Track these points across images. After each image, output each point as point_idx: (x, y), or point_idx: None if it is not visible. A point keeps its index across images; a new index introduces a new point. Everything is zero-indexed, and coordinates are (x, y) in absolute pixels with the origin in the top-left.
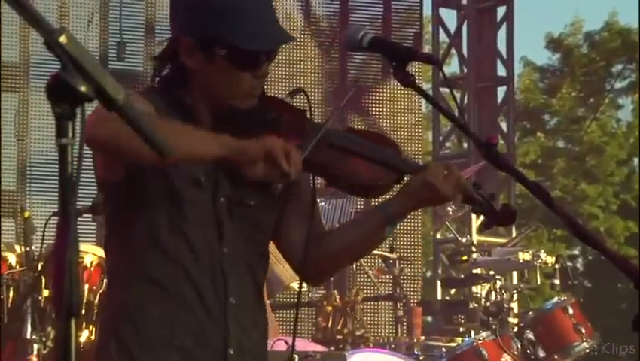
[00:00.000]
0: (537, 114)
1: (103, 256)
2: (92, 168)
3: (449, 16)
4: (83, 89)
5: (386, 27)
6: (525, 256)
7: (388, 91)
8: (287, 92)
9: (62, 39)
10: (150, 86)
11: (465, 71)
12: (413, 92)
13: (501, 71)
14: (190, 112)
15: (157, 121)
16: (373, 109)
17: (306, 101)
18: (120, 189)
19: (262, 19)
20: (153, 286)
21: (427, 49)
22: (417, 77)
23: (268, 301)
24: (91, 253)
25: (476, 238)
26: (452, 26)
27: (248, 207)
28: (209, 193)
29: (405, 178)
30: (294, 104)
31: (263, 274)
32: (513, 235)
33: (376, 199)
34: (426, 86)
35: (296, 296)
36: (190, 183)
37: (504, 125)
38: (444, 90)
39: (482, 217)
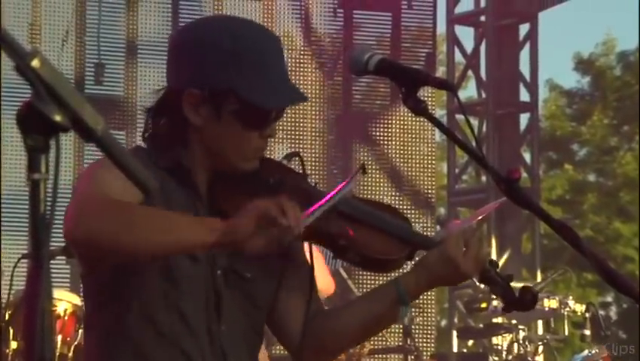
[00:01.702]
0: (564, 144)
1: (78, 303)
2: (67, 204)
3: (466, 34)
4: (58, 118)
5: (395, 47)
6: (551, 304)
7: (398, 118)
8: (283, 155)
9: (35, 63)
10: (136, 146)
11: (484, 95)
12: (425, 120)
13: (524, 96)
14: (189, 173)
15: (134, 210)
16: (381, 138)
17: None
18: (107, 265)
19: (277, 74)
20: None
21: (441, 71)
22: (430, 103)
23: (266, 352)
24: (65, 301)
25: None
26: (469, 46)
27: (245, 281)
28: (206, 266)
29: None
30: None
31: (258, 351)
32: (538, 279)
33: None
34: (440, 113)
35: None
36: (187, 257)
37: (527, 157)
38: (460, 117)
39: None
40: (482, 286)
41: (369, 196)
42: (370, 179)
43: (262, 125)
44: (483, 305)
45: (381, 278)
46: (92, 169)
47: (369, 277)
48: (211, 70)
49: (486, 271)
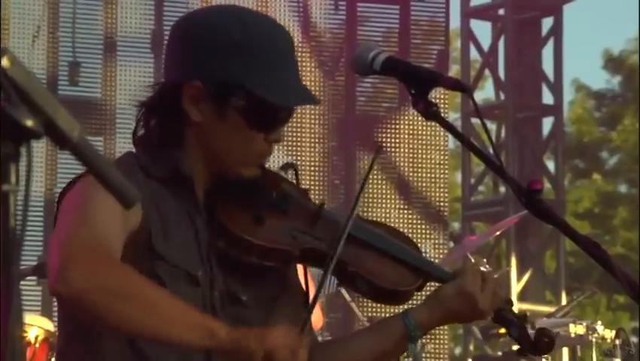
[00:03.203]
0: (592, 151)
1: (51, 329)
2: (39, 220)
3: (483, 29)
4: (29, 123)
5: (404, 44)
6: (577, 329)
7: (407, 123)
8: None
9: (4, 62)
10: (127, 153)
11: (503, 97)
12: (437, 125)
13: (548, 98)
14: (189, 182)
15: (135, 283)
16: (388, 145)
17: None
18: None
19: (289, 71)
20: None
21: (454, 70)
22: (442, 106)
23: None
24: (36, 326)
25: (516, 305)
26: (485, 42)
27: (240, 304)
28: (205, 289)
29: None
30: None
31: None
32: (563, 302)
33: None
34: (453, 117)
35: None
36: (184, 280)
37: (550, 166)
38: (476, 122)
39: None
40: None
41: (374, 210)
42: (375, 191)
43: (269, 126)
44: (502, 331)
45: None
46: (79, 197)
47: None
48: (218, 61)
49: (503, 309)
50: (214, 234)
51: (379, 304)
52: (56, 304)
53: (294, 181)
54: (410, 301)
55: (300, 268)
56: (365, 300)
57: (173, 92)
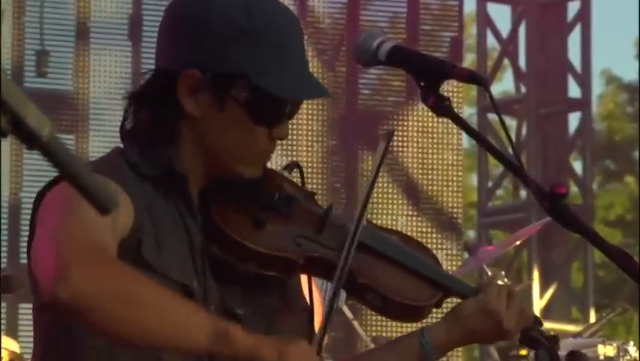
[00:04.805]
0: (625, 150)
1: (17, 350)
2: (3, 228)
3: (501, 14)
4: None
5: (412, 30)
6: (607, 351)
7: (415, 119)
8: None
9: None
10: (114, 150)
11: (523, 90)
12: (450, 121)
13: (574, 91)
14: (184, 182)
15: (141, 286)
16: (394, 144)
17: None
18: None
19: (297, 60)
20: None
21: (469, 60)
22: (456, 100)
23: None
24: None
25: None
26: (504, 28)
27: (235, 318)
28: (199, 301)
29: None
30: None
31: None
32: (592, 320)
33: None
34: (468, 112)
35: None
36: (176, 291)
37: (577, 167)
38: (494, 117)
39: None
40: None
41: (379, 216)
42: (380, 195)
43: (274, 120)
44: (523, 353)
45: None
46: (64, 197)
47: (380, 319)
48: (219, 48)
49: (531, 329)
50: (208, 238)
51: (384, 323)
52: (24, 321)
53: (299, 182)
54: (427, 319)
55: (303, 276)
56: (369, 317)
57: (167, 82)
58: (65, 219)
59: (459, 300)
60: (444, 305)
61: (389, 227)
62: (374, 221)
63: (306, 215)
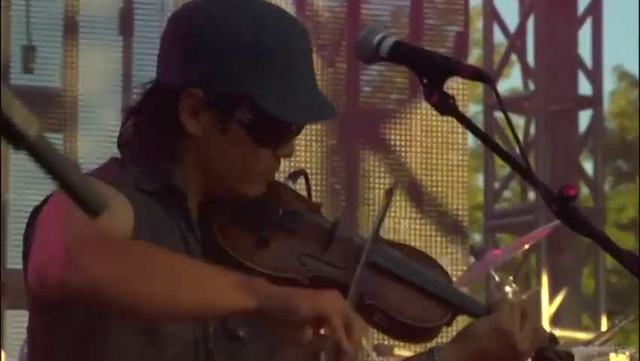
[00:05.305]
0: (637, 150)
1: (2, 358)
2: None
3: (508, 7)
4: None
5: (416, 25)
6: (620, 359)
7: (419, 118)
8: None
9: None
10: (112, 159)
11: (532, 87)
12: (455, 120)
13: (585, 88)
14: (182, 198)
15: (150, 252)
16: (397, 143)
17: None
18: (66, 307)
19: (305, 81)
20: None
21: (475, 55)
22: (461, 98)
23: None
24: None
25: (548, 330)
26: (512, 22)
27: (235, 341)
28: (197, 326)
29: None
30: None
31: None
32: (603, 327)
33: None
34: (474, 110)
35: None
36: None
37: (588, 167)
38: (501, 116)
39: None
40: None
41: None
42: (381, 197)
43: (278, 143)
44: None
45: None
46: (59, 201)
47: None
48: (224, 67)
49: (545, 349)
50: (208, 256)
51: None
52: (10, 329)
53: (304, 191)
54: (437, 338)
55: None
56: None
57: (168, 97)
58: (65, 215)
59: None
60: (456, 323)
61: (391, 230)
62: None
63: (312, 231)
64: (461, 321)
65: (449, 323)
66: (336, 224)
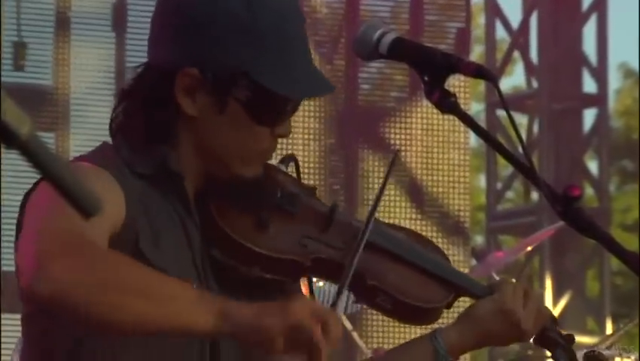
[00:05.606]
0: None
1: None
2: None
3: (511, 2)
4: None
5: (416, 20)
6: None
7: (419, 116)
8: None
9: None
10: (104, 144)
11: (535, 85)
12: (456, 119)
13: (589, 86)
14: (180, 181)
15: (121, 265)
16: (397, 142)
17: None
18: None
19: (302, 56)
20: None
21: (477, 52)
22: (462, 96)
23: None
24: None
25: None
26: (515, 18)
27: None
28: None
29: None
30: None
31: None
32: (608, 330)
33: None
34: (476, 108)
35: None
36: None
37: (593, 167)
38: (503, 114)
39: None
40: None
41: (380, 219)
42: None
43: (277, 120)
44: None
45: (400, 328)
46: (48, 192)
47: (381, 330)
48: (219, 45)
49: (548, 329)
50: (207, 240)
51: (384, 334)
52: (11, 334)
53: (295, 177)
54: (439, 320)
55: (302, 282)
56: (369, 329)
57: (161, 78)
58: (48, 213)
59: (472, 300)
60: (457, 305)
61: None
62: None
63: (311, 213)
64: (463, 304)
65: (450, 304)
66: (335, 206)
